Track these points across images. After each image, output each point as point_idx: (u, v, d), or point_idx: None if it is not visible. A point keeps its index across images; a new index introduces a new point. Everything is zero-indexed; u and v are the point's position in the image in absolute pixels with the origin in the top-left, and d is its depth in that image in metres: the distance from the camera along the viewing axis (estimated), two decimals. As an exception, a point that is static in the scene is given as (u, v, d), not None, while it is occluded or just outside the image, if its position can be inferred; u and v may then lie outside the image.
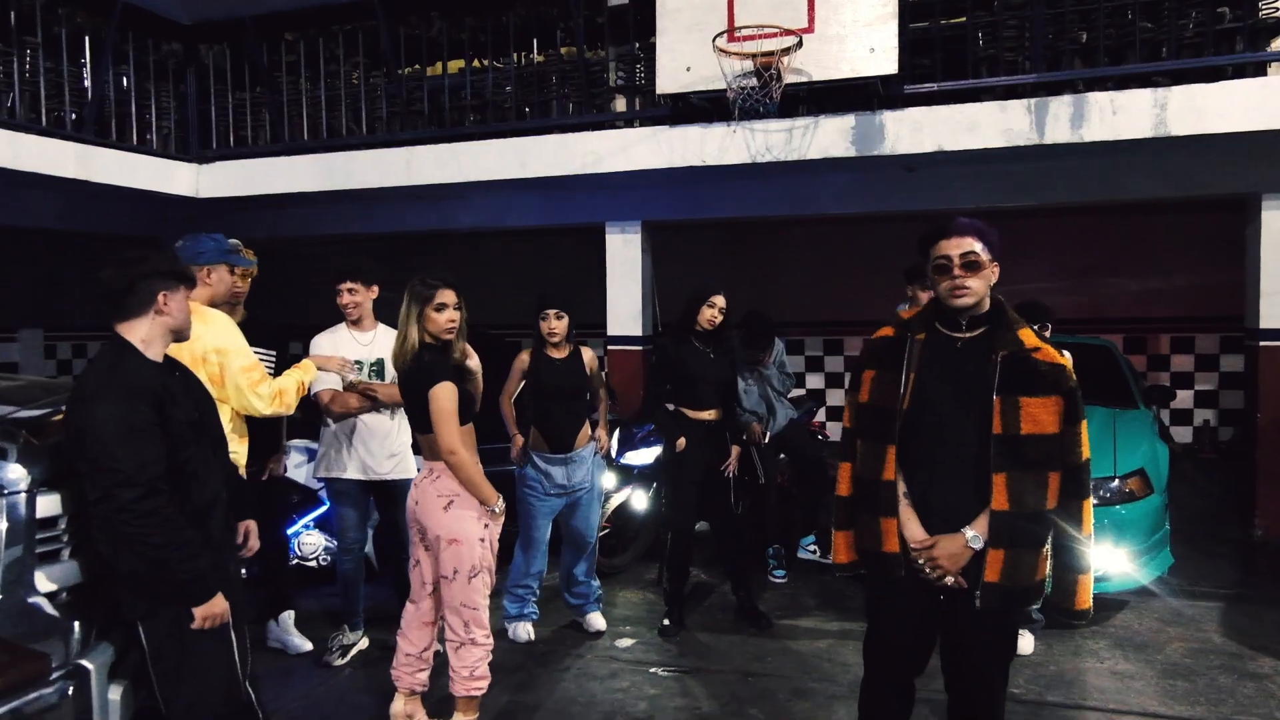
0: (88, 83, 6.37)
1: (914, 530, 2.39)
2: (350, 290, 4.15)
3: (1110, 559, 4.25)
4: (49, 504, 2.23)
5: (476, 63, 6.66)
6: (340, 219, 7.79)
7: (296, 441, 4.80)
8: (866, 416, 2.47)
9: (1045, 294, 8.98)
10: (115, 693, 2.30)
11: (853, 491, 2.52)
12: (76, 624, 2.25)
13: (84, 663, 2.21)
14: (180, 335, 2.55)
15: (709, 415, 4.48)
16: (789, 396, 5.63)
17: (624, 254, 7.01)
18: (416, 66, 6.67)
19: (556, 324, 4.40)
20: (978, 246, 2.33)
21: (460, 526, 3.18)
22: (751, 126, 5.63)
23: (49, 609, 2.18)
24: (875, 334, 2.56)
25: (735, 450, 4.57)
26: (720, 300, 4.50)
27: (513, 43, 6.41)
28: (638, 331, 7.00)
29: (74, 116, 6.25)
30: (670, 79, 5.50)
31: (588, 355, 4.57)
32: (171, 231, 8.02)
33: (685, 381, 4.50)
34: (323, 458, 4.16)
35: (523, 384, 4.49)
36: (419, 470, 3.70)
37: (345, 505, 4.12)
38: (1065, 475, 2.32)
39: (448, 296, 3.25)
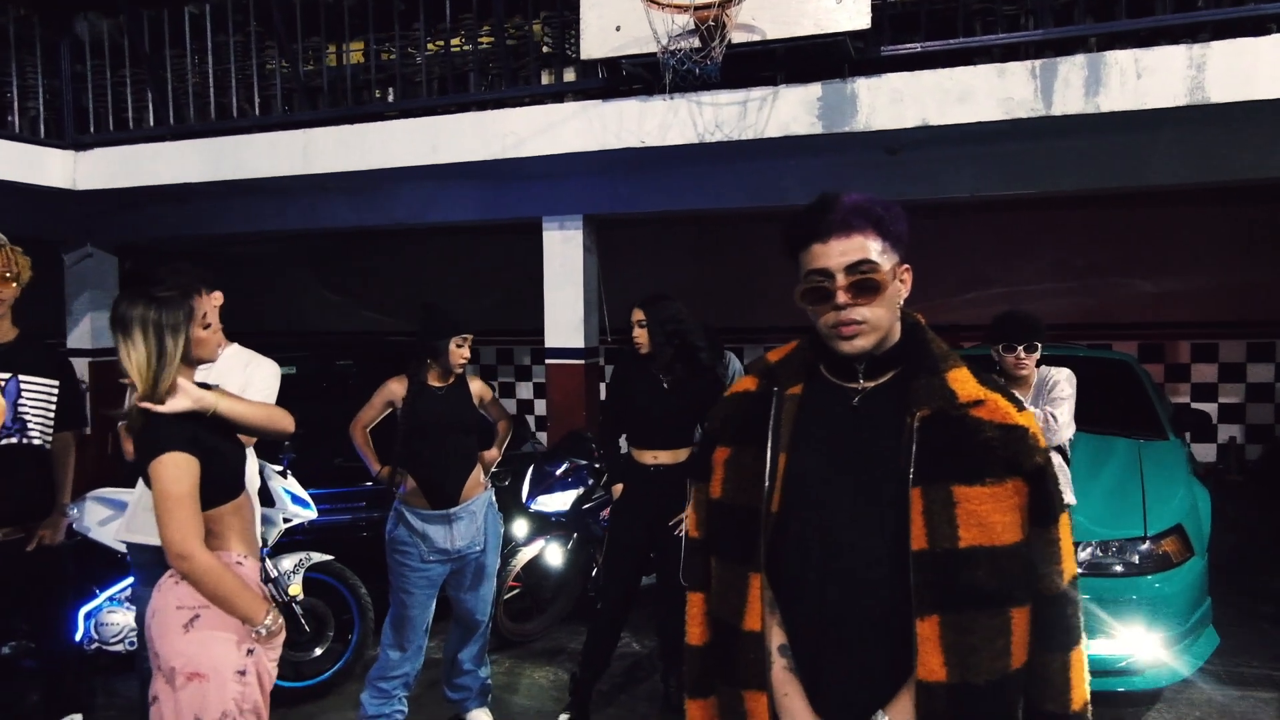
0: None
1: (795, 714, 1.47)
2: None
3: (1140, 646, 3.29)
4: None
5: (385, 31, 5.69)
6: (247, 215, 6.83)
7: (104, 491, 3.86)
8: (719, 522, 1.57)
9: (1048, 296, 8.14)
10: None
11: (708, 639, 1.60)
12: None
13: None
14: None
15: (659, 458, 3.53)
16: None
17: (563, 253, 6.04)
18: (316, 38, 5.70)
19: (465, 352, 3.50)
20: (875, 248, 1.45)
21: (205, 655, 2.17)
22: (698, 99, 4.68)
23: None
24: (731, 387, 1.66)
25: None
26: (638, 314, 3.56)
27: (423, 7, 5.44)
28: (579, 343, 6.03)
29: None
30: (597, 42, 4.54)
31: (475, 385, 3.65)
32: (57, 231, 7.14)
33: (629, 413, 3.60)
34: (131, 515, 3.20)
35: (384, 418, 3.56)
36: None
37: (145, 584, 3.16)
38: (1038, 612, 1.43)
39: (206, 303, 2.30)
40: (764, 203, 5.47)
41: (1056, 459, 3.50)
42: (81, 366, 7.22)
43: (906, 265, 1.52)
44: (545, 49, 5.27)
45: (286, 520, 3.93)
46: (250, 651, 2.25)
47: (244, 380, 3.15)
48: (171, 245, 7.87)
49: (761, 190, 5.48)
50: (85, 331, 7.34)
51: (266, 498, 3.91)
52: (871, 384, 1.51)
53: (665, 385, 3.55)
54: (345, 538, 4.67)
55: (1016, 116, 4.22)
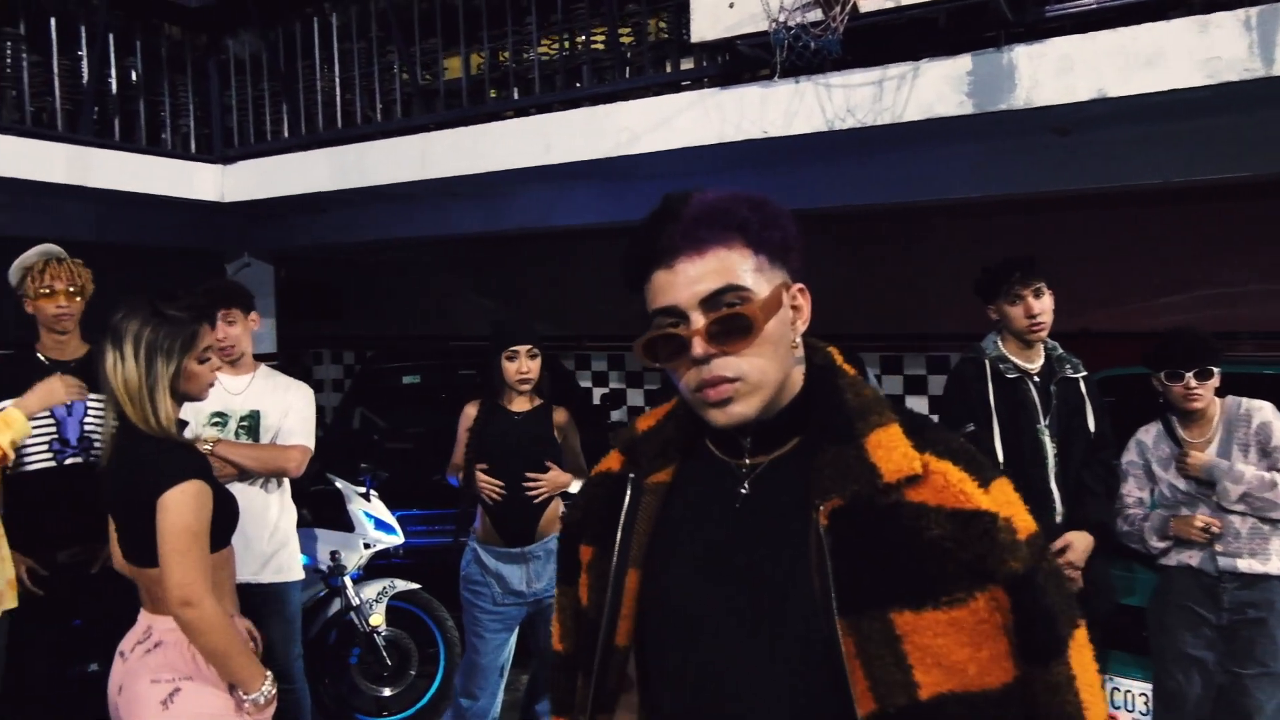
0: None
1: None
2: (228, 321, 3.06)
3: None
4: None
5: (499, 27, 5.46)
6: (378, 222, 6.84)
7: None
8: (586, 639, 1.17)
9: (1262, 301, 6.83)
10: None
11: None
12: None
13: None
14: None
15: None
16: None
17: (690, 257, 5.60)
18: (433, 40, 5.56)
19: (529, 364, 3.16)
20: (744, 266, 1.04)
21: None
22: (826, 81, 4.10)
23: None
24: (597, 465, 1.25)
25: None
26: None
27: (535, 2, 5.15)
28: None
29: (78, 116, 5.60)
30: (708, 21, 4.07)
31: (560, 415, 3.29)
32: (216, 241, 7.46)
33: None
34: None
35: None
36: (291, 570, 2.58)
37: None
38: None
39: (211, 335, 2.06)
40: (908, 197, 4.80)
41: None
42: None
43: (800, 285, 1.10)
44: (661, 35, 4.84)
45: (368, 546, 3.73)
46: None
47: (285, 406, 2.98)
48: (319, 253, 8.06)
49: (903, 183, 4.80)
50: (242, 338, 7.63)
51: (346, 523, 3.73)
52: (765, 459, 1.07)
53: None
54: (444, 562, 4.46)
55: (1223, 81, 3.37)
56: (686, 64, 4.86)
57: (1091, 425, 2.98)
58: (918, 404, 7.39)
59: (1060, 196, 4.84)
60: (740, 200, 1.05)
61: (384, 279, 9.83)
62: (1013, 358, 3.01)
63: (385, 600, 3.73)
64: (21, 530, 2.83)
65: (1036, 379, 3.00)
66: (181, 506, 1.92)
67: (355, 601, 3.66)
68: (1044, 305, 2.95)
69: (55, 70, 5.54)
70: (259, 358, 7.22)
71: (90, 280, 3.07)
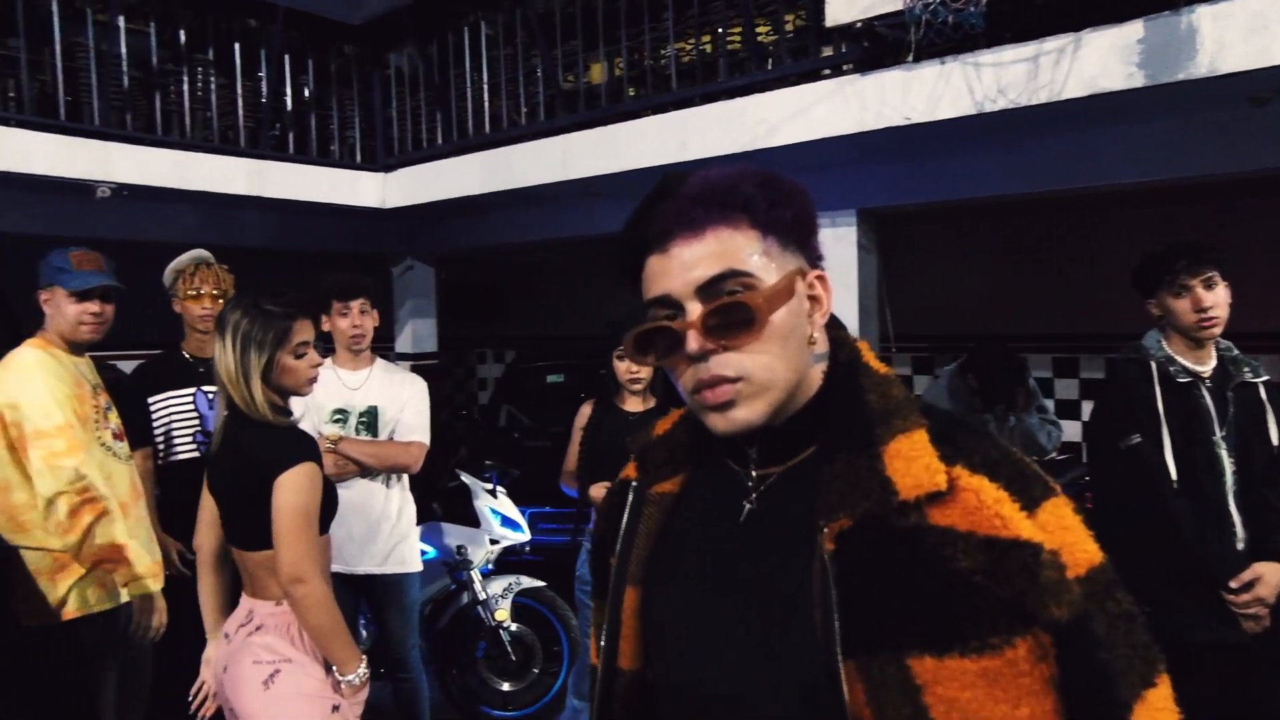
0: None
1: None
2: (362, 311, 3.17)
3: None
4: None
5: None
6: (528, 224, 7.00)
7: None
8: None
9: None
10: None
11: None
12: None
13: None
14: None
15: None
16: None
17: (835, 253, 5.34)
18: (574, 41, 5.61)
19: (629, 367, 3.11)
20: (748, 249, 0.91)
21: (288, 714, 1.99)
22: (974, 60, 3.79)
23: None
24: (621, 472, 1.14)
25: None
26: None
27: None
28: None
29: (253, 132, 6.08)
30: (843, 4, 3.86)
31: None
32: (381, 246, 7.88)
33: None
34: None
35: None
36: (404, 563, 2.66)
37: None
38: None
39: (307, 330, 2.12)
40: (1069, 184, 4.36)
41: None
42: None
43: (819, 272, 0.96)
44: (799, 22, 4.65)
45: (494, 542, 3.78)
46: (336, 708, 2.03)
47: (401, 400, 3.06)
48: (480, 255, 8.35)
49: (1063, 169, 4.37)
50: (408, 337, 8.04)
51: (473, 518, 3.80)
52: (777, 470, 0.94)
53: None
54: (573, 561, 4.47)
55: None
56: (826, 53, 4.65)
57: (1274, 437, 2.56)
58: (1096, 410, 6.74)
59: (1258, 177, 4.25)
60: (746, 176, 0.93)
61: (541, 280, 10.08)
62: (1180, 359, 2.64)
63: (511, 596, 3.77)
64: (173, 517, 3.05)
65: (1209, 384, 2.62)
66: (296, 488, 2.00)
67: (481, 596, 3.72)
68: (1217, 298, 2.57)
69: (239, 91, 6.02)
70: (422, 356, 7.57)
71: (233, 285, 3.27)
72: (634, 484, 1.06)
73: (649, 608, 1.00)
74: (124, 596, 2.60)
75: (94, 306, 2.62)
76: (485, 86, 6.08)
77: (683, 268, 0.90)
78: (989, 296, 7.17)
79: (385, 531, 3.05)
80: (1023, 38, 3.65)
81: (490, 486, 3.86)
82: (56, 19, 5.21)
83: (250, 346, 2.05)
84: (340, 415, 3.06)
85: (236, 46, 6.01)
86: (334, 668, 2.05)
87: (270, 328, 2.07)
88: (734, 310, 0.87)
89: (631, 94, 5.37)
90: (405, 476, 3.13)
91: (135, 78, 5.56)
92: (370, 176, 6.60)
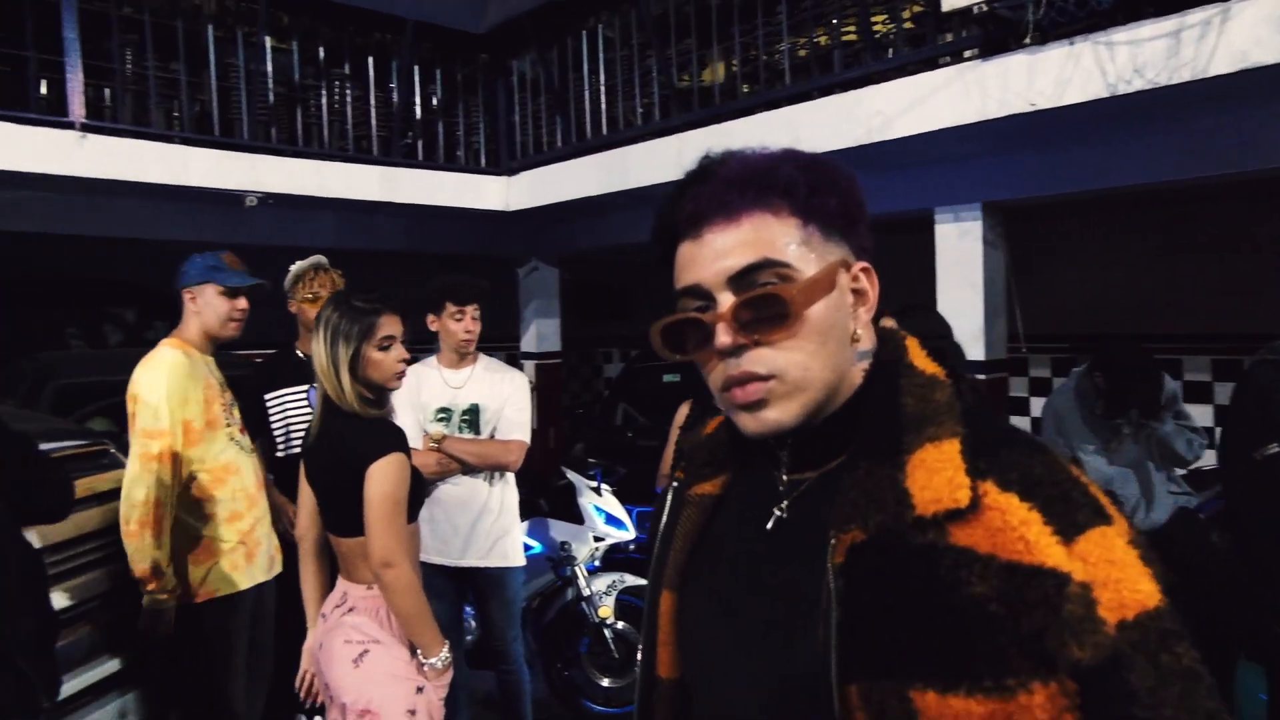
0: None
1: None
2: (475, 317, 3.27)
3: None
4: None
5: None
6: (649, 224, 7.03)
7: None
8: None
9: None
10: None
11: None
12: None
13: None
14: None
15: None
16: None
17: (958, 249, 5.13)
18: (688, 40, 5.59)
19: None
20: (786, 238, 0.85)
21: (376, 691, 2.08)
22: (1107, 38, 3.53)
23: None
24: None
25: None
26: (886, 323, 2.74)
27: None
28: (978, 354, 5.07)
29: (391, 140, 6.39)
30: (960, -14, 3.68)
31: None
32: (506, 248, 8.10)
33: None
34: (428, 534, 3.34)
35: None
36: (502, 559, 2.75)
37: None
38: None
39: (394, 326, 2.21)
40: (1218, 170, 3.99)
41: None
42: (530, 369, 8.14)
43: (865, 264, 0.89)
44: (917, 8, 4.47)
45: (597, 539, 3.82)
46: (420, 689, 2.11)
47: (503, 397, 3.12)
48: (598, 255, 8.46)
49: (1213, 153, 4.01)
50: (533, 337, 8.26)
51: (578, 515, 3.85)
52: (812, 475, 0.88)
53: None
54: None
55: None
56: (947, 39, 4.45)
57: None
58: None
59: None
60: (788, 159, 0.89)
61: (665, 279, 10.11)
62: None
63: (614, 593, 3.80)
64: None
65: None
66: (386, 476, 2.09)
67: (585, 592, 3.77)
68: None
69: (372, 102, 6.34)
70: (547, 356, 7.74)
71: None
72: (674, 484, 1.03)
73: (683, 613, 0.96)
74: (249, 582, 2.78)
75: (243, 303, 2.82)
76: (603, 89, 6.15)
77: (715, 256, 0.84)
78: (1137, 293, 6.68)
79: (488, 526, 3.13)
80: (1162, 12, 3.38)
81: (595, 484, 3.90)
82: (212, 43, 5.63)
83: (339, 339, 2.14)
84: (444, 413, 3.16)
85: (370, 60, 6.32)
86: (418, 651, 2.12)
87: (357, 322, 2.15)
88: (767, 303, 0.82)
89: (745, 90, 5.31)
90: (504, 477, 3.20)
91: (279, 94, 5.93)
92: (494, 180, 6.80)
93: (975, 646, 0.71)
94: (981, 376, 5.09)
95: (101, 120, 5.29)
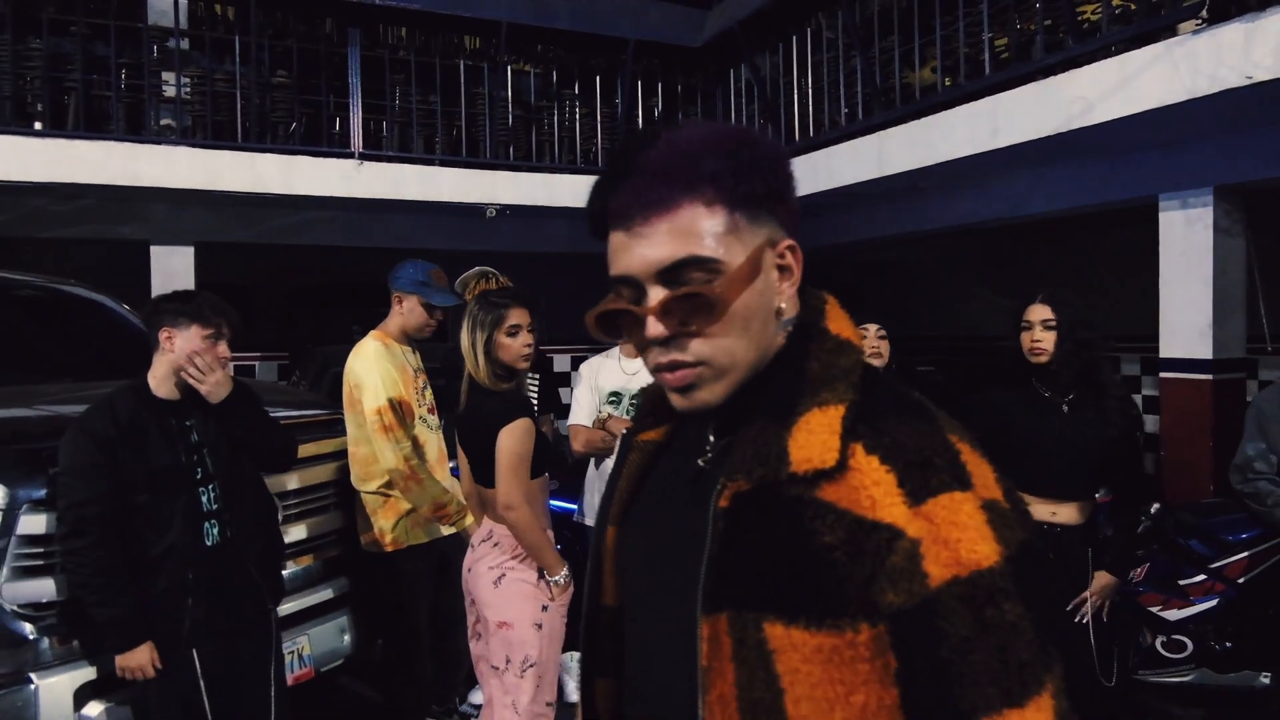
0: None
1: None
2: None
3: None
4: (34, 523, 2.38)
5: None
6: (862, 222, 7.03)
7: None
8: None
9: None
10: (94, 709, 2.38)
11: None
12: (43, 640, 2.37)
13: (32, 676, 2.32)
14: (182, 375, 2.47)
15: (1058, 513, 2.66)
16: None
17: (1185, 238, 4.73)
18: (891, 38, 5.58)
19: (878, 344, 3.22)
20: (710, 230, 0.85)
21: (511, 608, 2.57)
22: (1330, 1, 3.19)
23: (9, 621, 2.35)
24: None
25: (1103, 580, 2.61)
26: (1041, 311, 2.64)
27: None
28: (1205, 353, 4.65)
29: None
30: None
31: None
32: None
33: (1014, 448, 2.78)
34: (586, 502, 3.75)
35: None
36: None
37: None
38: None
39: (521, 316, 2.61)
40: None
41: None
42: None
43: (790, 241, 0.90)
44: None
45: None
46: (545, 608, 2.57)
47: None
48: (813, 256, 8.50)
49: None
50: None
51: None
52: (734, 435, 0.92)
53: (1065, 410, 2.59)
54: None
55: None
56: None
57: None
58: None
59: None
60: (714, 142, 0.86)
61: (899, 278, 9.91)
62: None
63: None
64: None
65: None
66: (513, 438, 2.53)
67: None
68: None
69: (598, 118, 6.91)
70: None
71: None
72: (625, 431, 1.12)
73: (622, 547, 1.05)
74: (431, 536, 3.27)
75: (439, 315, 3.37)
76: (810, 91, 6.28)
77: (644, 249, 0.86)
78: None
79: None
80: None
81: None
82: (463, 74, 6.46)
83: (476, 327, 2.59)
84: (615, 397, 3.51)
85: (597, 79, 6.90)
86: (544, 572, 2.54)
87: (490, 312, 2.60)
88: (694, 298, 0.84)
89: (947, 83, 5.23)
90: None
91: (517, 115, 6.66)
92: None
93: (820, 588, 0.79)
94: (1207, 377, 4.66)
95: (376, 149, 6.27)
